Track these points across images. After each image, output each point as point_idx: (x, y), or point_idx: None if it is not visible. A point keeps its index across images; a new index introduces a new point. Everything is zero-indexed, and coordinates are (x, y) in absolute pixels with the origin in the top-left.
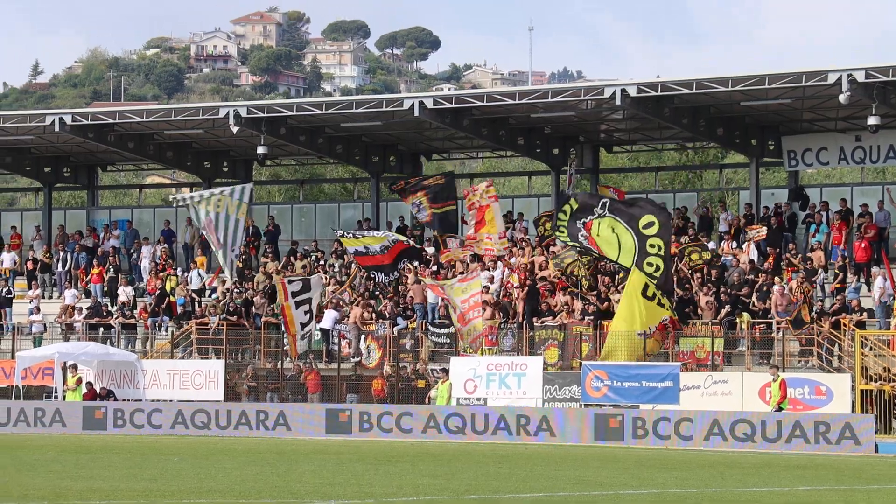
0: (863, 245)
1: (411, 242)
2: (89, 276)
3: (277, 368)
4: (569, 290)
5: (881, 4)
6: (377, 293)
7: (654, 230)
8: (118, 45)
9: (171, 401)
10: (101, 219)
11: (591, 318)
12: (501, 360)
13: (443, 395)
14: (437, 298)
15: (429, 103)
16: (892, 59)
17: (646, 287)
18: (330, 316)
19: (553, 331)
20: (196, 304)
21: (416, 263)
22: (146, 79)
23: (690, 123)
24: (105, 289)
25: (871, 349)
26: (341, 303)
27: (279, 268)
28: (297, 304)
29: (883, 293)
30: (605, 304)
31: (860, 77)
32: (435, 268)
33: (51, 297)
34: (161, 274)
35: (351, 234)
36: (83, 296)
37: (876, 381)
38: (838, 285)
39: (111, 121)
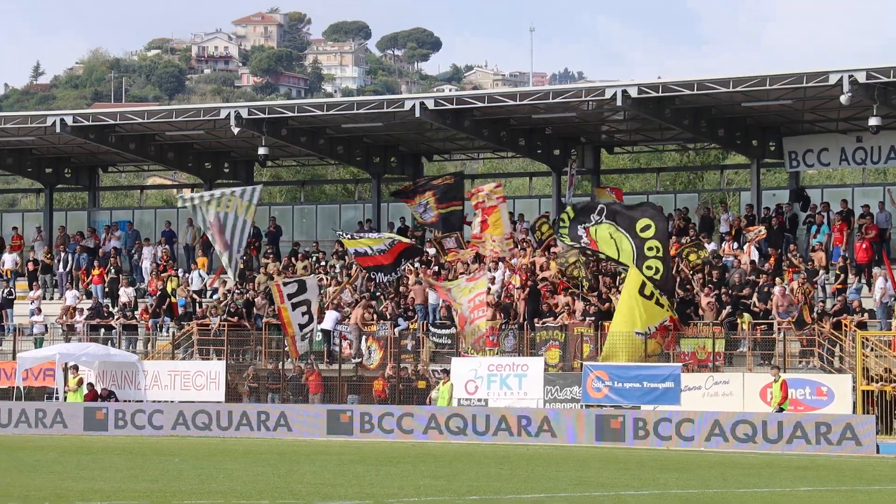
0: (864, 246)
1: (412, 242)
2: (90, 277)
3: (278, 369)
4: (570, 290)
5: (883, 7)
6: (378, 294)
7: (650, 233)
8: (119, 46)
9: (172, 402)
10: (102, 220)
11: (593, 318)
12: (502, 360)
13: (444, 396)
14: (437, 299)
15: (430, 104)
16: (894, 60)
17: (643, 285)
18: (331, 317)
19: (554, 332)
20: (197, 304)
21: (416, 264)
22: (147, 80)
23: (691, 124)
24: (106, 290)
25: (872, 350)
26: (342, 303)
27: (280, 269)
28: (294, 306)
29: (884, 294)
30: (606, 304)
31: (861, 78)
32: (436, 268)
33: (52, 298)
34: (162, 275)
35: (350, 236)
36: (84, 297)
37: (877, 382)
38: (839, 286)
39: (112, 122)
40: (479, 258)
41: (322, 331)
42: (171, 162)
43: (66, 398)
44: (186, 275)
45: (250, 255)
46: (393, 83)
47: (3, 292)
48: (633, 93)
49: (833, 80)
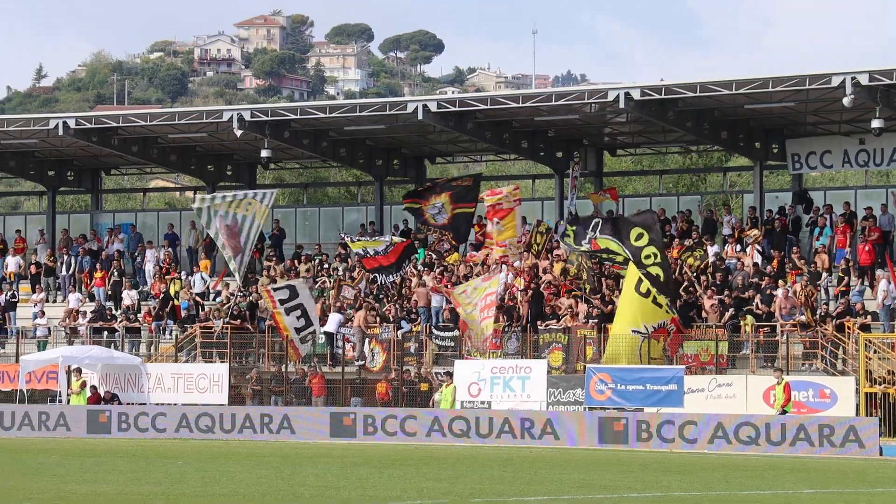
0: (866, 248)
1: (409, 240)
2: (93, 280)
3: (282, 372)
4: (573, 293)
5: (884, 8)
6: (381, 296)
7: (645, 240)
8: (122, 48)
9: (175, 404)
10: (105, 222)
11: (596, 321)
12: (505, 363)
13: (447, 399)
14: (441, 302)
15: (432, 107)
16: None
17: (639, 282)
18: (334, 319)
19: (557, 334)
20: (200, 307)
21: (420, 266)
22: (150, 82)
23: (694, 126)
24: (109, 292)
25: (875, 352)
26: (344, 304)
27: (283, 271)
28: (288, 311)
29: (887, 296)
30: (609, 307)
31: (864, 80)
32: (438, 271)
33: (55, 301)
34: (165, 277)
35: (352, 239)
36: (87, 299)
37: (880, 384)
38: (842, 288)
39: (115, 124)
40: (484, 263)
41: (325, 333)
42: (174, 164)
43: (69, 401)
44: (189, 277)
45: (253, 257)
46: (395, 85)
47: (6, 295)
48: (636, 95)
49: (836, 82)
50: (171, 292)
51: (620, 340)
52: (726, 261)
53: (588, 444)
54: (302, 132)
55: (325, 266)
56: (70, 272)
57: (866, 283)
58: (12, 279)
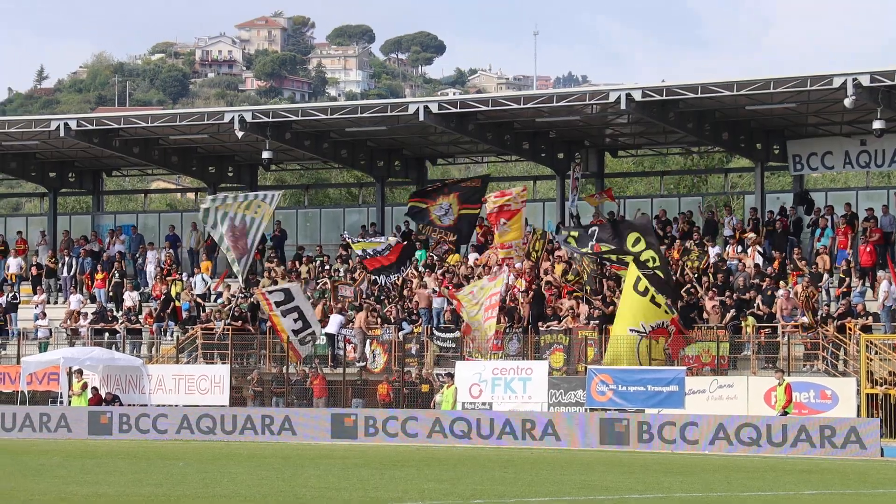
0: (868, 249)
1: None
2: (94, 282)
3: (283, 373)
4: (574, 294)
5: (884, 8)
6: (382, 297)
7: (642, 245)
8: (123, 50)
9: (176, 406)
10: (106, 224)
11: (597, 322)
12: (507, 364)
13: (448, 400)
14: (442, 303)
15: (434, 108)
16: None
17: (637, 280)
18: (335, 321)
19: (558, 335)
20: (201, 309)
21: (422, 268)
22: (151, 84)
23: (695, 128)
24: (110, 294)
25: (876, 353)
26: (345, 306)
27: (284, 272)
28: (284, 314)
29: (888, 297)
30: (611, 308)
31: (865, 81)
32: (440, 272)
33: (56, 303)
34: (166, 279)
35: (352, 240)
36: (88, 301)
37: (881, 385)
38: (844, 289)
39: (116, 126)
40: (485, 265)
41: (326, 334)
42: (175, 166)
43: (70, 402)
44: (190, 279)
45: (255, 259)
46: (397, 87)
47: (7, 297)
48: (637, 96)
49: (837, 83)
50: (173, 294)
51: (621, 341)
52: (727, 262)
53: (589, 445)
54: (303, 133)
55: (327, 267)
56: (71, 274)
57: (867, 284)
58: (14, 281)
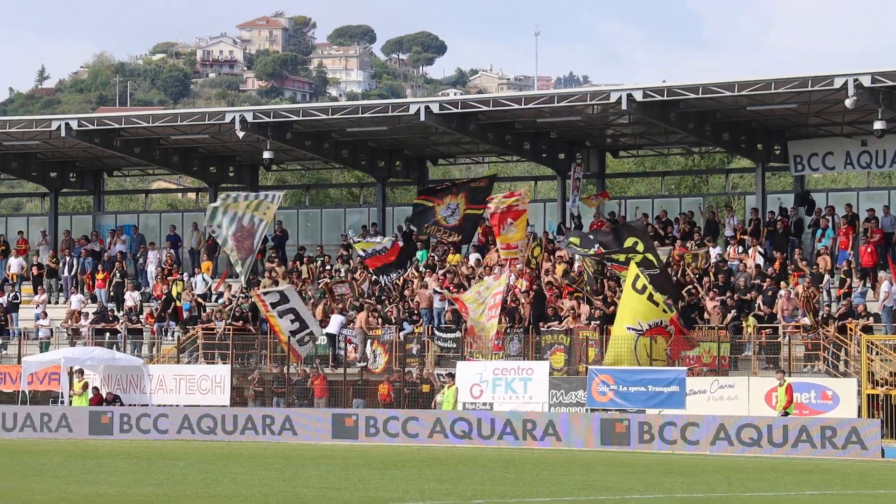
0: (869, 250)
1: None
2: (95, 282)
3: (283, 373)
4: (575, 294)
5: (884, 8)
6: (383, 298)
7: (641, 247)
8: (124, 50)
9: (177, 406)
10: (107, 224)
11: (598, 322)
12: (507, 364)
13: (449, 400)
14: (443, 303)
15: (435, 108)
16: None
17: (636, 278)
18: (336, 321)
19: (559, 335)
20: (202, 309)
21: (422, 268)
22: (152, 84)
23: (696, 128)
24: (111, 294)
25: (877, 354)
26: (346, 306)
27: (285, 273)
28: (281, 315)
29: (889, 297)
30: (612, 308)
31: (866, 82)
32: (441, 272)
33: (57, 303)
34: (167, 279)
35: (353, 239)
36: (89, 301)
37: (882, 386)
38: (845, 290)
39: (117, 126)
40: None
41: (327, 335)
42: (176, 166)
43: (71, 402)
44: (191, 279)
45: (256, 259)
46: (398, 87)
47: (8, 296)
48: (638, 97)
49: (838, 83)
50: (173, 294)
51: (622, 342)
52: (728, 262)
53: (590, 445)
54: (304, 133)
55: (328, 267)
56: (72, 273)
57: (868, 284)
58: (15, 280)
